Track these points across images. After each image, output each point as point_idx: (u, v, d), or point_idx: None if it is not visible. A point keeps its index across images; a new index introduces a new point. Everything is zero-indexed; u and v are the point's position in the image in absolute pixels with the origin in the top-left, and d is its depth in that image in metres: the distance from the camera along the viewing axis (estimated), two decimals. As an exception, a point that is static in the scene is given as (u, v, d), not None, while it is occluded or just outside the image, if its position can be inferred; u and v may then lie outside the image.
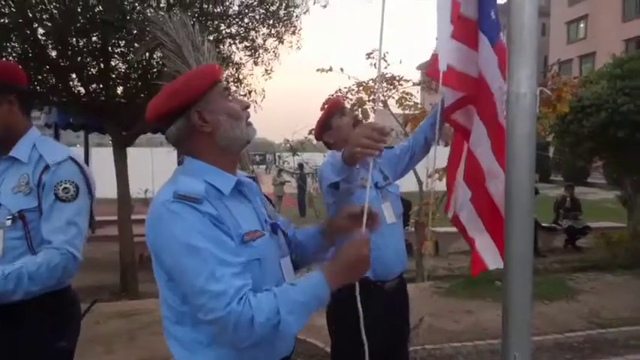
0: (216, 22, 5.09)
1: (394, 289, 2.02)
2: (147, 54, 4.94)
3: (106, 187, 7.40)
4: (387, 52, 5.41)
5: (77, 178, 1.59)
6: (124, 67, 5.19)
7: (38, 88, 5.07)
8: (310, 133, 5.72)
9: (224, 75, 1.35)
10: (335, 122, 2.06)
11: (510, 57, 1.16)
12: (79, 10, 4.48)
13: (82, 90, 5.27)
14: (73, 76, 5.17)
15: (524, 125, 1.11)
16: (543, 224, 8.19)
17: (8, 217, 1.51)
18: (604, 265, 6.57)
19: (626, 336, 3.88)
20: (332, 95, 5.53)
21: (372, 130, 1.31)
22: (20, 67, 1.76)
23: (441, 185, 5.15)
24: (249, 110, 1.26)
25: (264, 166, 26.73)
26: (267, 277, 1.18)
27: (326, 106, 2.19)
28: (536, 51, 1.19)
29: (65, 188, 1.55)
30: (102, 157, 11.49)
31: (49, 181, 1.55)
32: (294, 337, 1.28)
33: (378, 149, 1.31)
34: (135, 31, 4.63)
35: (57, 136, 8.31)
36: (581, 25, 29.32)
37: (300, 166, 12.96)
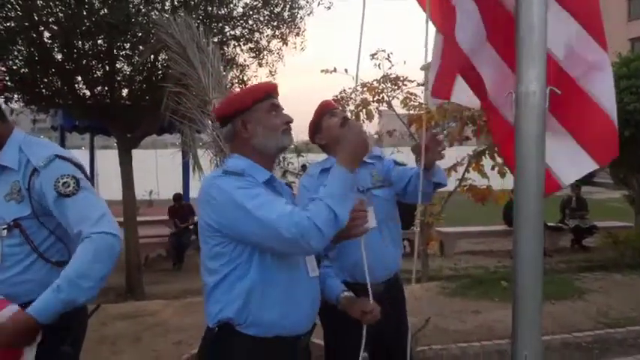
0: (220, 24, 5.10)
1: (380, 294, 1.90)
2: (152, 56, 4.96)
3: (111, 188, 7.47)
4: (391, 53, 5.39)
5: (72, 171, 1.54)
6: (129, 69, 5.21)
7: (44, 90, 5.11)
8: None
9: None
10: (325, 123, 2.06)
11: (519, 56, 1.15)
12: (85, 13, 4.51)
13: (88, 92, 5.30)
14: (79, 78, 5.20)
15: (534, 124, 1.10)
16: (550, 224, 8.15)
17: (3, 227, 1.49)
18: (611, 264, 6.52)
19: (635, 335, 3.85)
20: (336, 96, 5.54)
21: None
22: None
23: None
24: (290, 123, 1.50)
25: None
26: (286, 263, 1.39)
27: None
28: (545, 50, 1.18)
29: (65, 183, 1.49)
30: (107, 160, 11.57)
31: (44, 184, 1.50)
32: (313, 316, 1.50)
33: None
34: (140, 34, 4.64)
35: (63, 139, 8.38)
36: (586, 24, 29.15)
37: (304, 167, 12.95)
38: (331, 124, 2.04)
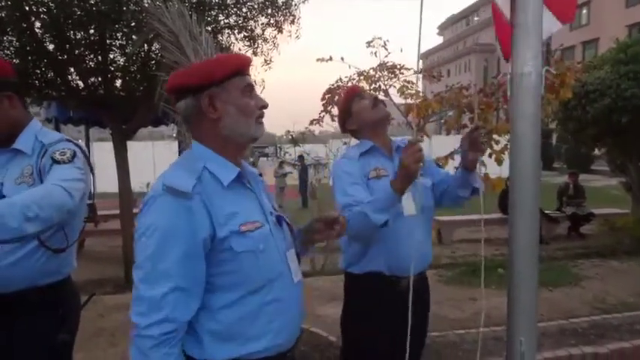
0: (214, 12, 5.03)
1: (414, 288, 1.77)
2: (145, 46, 4.90)
3: (108, 181, 7.45)
4: (387, 41, 5.33)
5: (74, 148, 1.61)
6: (122, 59, 5.15)
7: (36, 82, 5.04)
8: (311, 123, 5.71)
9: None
10: (355, 107, 1.97)
11: (515, 37, 1.13)
12: (76, 1, 4.44)
13: (81, 83, 5.24)
14: (72, 69, 5.14)
15: (529, 106, 1.08)
16: (547, 211, 8.16)
17: None
18: (608, 251, 6.55)
19: (631, 321, 3.87)
20: (332, 85, 5.49)
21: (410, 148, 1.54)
22: (6, 60, 1.75)
23: (444, 173, 5.09)
24: (264, 110, 1.25)
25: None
26: (264, 269, 1.17)
27: (342, 94, 2.12)
28: (541, 31, 1.15)
29: (62, 152, 1.55)
30: (104, 152, 11.52)
31: (46, 157, 1.55)
32: (300, 327, 1.29)
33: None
34: (132, 23, 4.58)
35: (57, 131, 8.30)
36: (584, 12, 29.03)
37: (301, 157, 12.93)
38: (361, 107, 1.95)
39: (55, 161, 1.53)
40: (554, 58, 5.23)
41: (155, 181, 1.16)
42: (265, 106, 1.24)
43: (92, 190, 1.73)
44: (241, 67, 1.21)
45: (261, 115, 1.24)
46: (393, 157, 1.93)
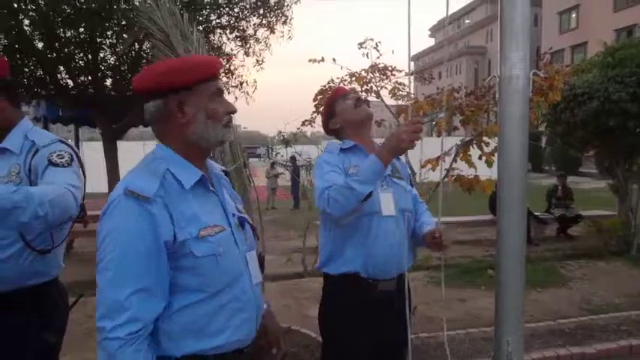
0: (205, 12, 5.03)
1: (390, 292, 1.79)
2: (136, 45, 4.88)
3: (98, 181, 7.39)
4: (379, 42, 5.35)
5: (71, 151, 1.61)
6: (112, 58, 5.12)
7: (25, 80, 4.99)
8: (303, 124, 5.71)
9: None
10: (339, 106, 1.97)
11: (502, 39, 1.14)
12: (65, -1, 4.41)
13: (71, 82, 5.21)
14: (61, 68, 5.10)
15: (517, 108, 1.09)
16: (536, 213, 8.25)
17: None
18: (595, 252, 6.63)
19: (618, 322, 3.93)
20: (324, 86, 5.49)
21: (411, 124, 1.57)
22: (0, 58, 1.73)
23: (434, 175, 5.13)
24: (232, 115, 1.24)
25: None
26: (224, 273, 1.18)
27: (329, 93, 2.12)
28: (529, 33, 1.17)
29: (59, 154, 1.55)
30: (94, 151, 11.43)
31: (40, 158, 1.54)
32: (257, 327, 1.28)
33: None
34: (123, 22, 4.56)
35: (46, 130, 8.20)
36: (573, 15, 29.39)
37: (293, 158, 12.92)
38: (345, 106, 1.95)
39: (53, 164, 1.52)
40: (543, 61, 5.29)
41: (118, 184, 1.15)
42: (233, 111, 1.24)
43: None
44: (214, 71, 1.21)
45: (230, 120, 1.24)
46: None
